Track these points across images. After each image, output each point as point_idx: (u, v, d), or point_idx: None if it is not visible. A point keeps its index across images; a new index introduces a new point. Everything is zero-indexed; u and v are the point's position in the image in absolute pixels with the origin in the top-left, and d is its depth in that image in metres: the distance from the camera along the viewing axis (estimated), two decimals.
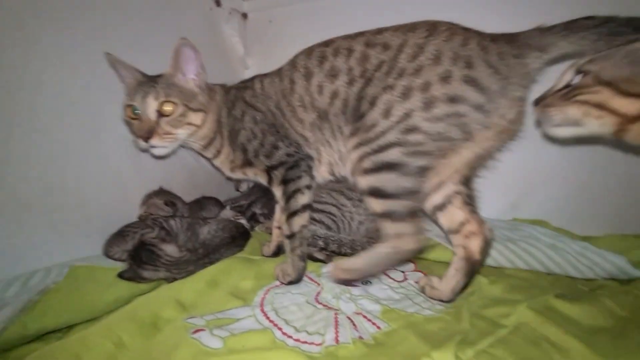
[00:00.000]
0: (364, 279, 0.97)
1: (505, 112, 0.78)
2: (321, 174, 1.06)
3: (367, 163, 0.84)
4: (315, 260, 1.14)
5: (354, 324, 0.78)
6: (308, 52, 0.99)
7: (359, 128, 0.86)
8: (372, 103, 0.83)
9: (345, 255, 1.13)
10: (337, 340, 0.72)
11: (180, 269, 0.99)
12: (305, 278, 1.00)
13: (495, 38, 0.80)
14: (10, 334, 0.69)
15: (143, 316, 0.75)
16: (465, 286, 0.89)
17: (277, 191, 1.03)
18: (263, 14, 1.74)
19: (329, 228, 1.19)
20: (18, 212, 0.95)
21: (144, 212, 1.25)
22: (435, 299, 0.90)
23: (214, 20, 1.63)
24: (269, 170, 1.02)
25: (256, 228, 1.40)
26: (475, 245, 0.89)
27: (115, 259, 1.07)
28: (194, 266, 1.00)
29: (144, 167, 1.30)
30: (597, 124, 0.67)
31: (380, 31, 0.90)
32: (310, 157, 1.02)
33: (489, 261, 1.07)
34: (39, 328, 0.73)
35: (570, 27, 0.75)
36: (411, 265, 1.10)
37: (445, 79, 0.78)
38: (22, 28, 0.96)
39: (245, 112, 1.04)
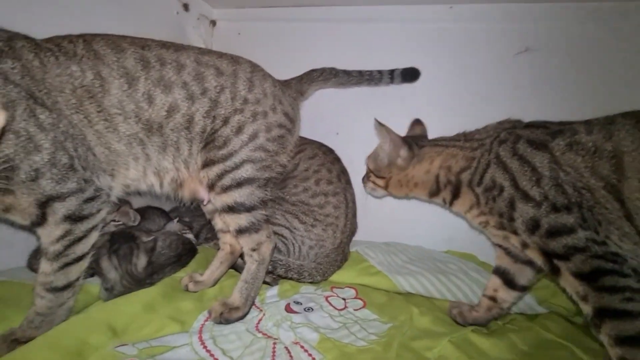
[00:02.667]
0: (249, 309, 0.96)
1: (297, 131, 1.13)
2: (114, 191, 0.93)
3: (226, 180, 0.95)
4: (264, 283, 1.15)
5: (290, 355, 0.80)
6: (112, 45, 0.85)
7: (211, 145, 0.95)
8: (225, 123, 0.95)
9: (291, 279, 1.15)
10: None
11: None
12: None
13: (281, 82, 1.14)
14: None
15: (66, 344, 0.71)
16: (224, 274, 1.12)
17: (56, 230, 0.75)
18: (232, 24, 1.73)
19: (279, 251, 1.21)
20: None
21: (111, 220, 1.19)
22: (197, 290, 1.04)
23: (180, 24, 1.58)
24: (45, 203, 0.73)
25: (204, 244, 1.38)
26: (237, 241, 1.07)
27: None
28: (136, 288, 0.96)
29: None
30: (379, 190, 1.18)
31: (202, 52, 0.99)
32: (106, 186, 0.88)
33: (422, 291, 1.16)
34: None
35: (309, 78, 1.25)
36: (352, 292, 1.15)
37: (274, 109, 1.03)
38: None
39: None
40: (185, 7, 1.59)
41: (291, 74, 1.29)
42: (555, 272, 0.78)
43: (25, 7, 0.99)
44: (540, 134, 0.88)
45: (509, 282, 1.01)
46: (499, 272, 1.02)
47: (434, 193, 1.06)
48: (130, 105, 0.86)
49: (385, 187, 1.15)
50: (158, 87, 0.88)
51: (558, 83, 1.36)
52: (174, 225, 1.32)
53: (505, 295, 1.01)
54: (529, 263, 0.94)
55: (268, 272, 1.15)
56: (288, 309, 0.99)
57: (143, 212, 1.37)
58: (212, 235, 1.44)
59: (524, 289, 1.01)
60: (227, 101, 0.95)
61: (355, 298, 1.12)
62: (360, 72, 1.31)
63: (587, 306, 0.72)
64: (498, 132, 0.96)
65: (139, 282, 1.00)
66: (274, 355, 0.79)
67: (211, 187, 0.97)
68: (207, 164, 0.96)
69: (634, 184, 0.73)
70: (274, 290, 1.08)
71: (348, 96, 1.51)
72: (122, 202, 1.26)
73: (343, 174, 1.39)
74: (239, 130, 0.95)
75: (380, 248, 1.36)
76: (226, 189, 0.95)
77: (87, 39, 0.85)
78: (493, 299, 1.03)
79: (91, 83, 0.81)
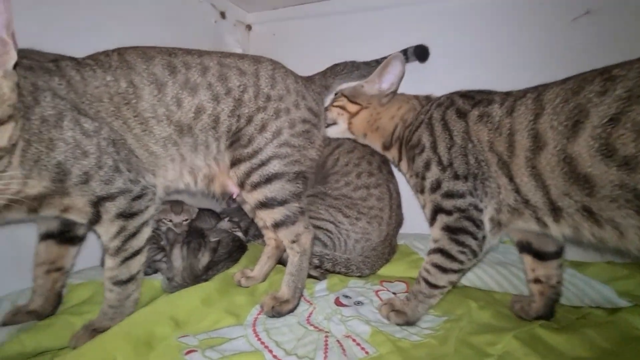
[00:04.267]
0: (298, 301, 0.98)
1: (322, 125, 1.13)
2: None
3: (255, 177, 0.97)
4: (309, 276, 1.16)
5: (343, 349, 0.79)
6: (142, 54, 0.92)
7: (237, 143, 0.97)
8: (249, 121, 0.98)
9: (339, 273, 1.15)
10: None
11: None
12: None
13: (304, 78, 1.15)
14: (9, 350, 0.72)
15: (137, 334, 0.77)
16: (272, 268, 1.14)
17: (111, 228, 0.82)
18: (267, 26, 1.77)
19: (324, 245, 1.21)
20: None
21: (184, 220, 1.32)
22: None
23: (218, 32, 1.65)
24: (97, 202, 0.80)
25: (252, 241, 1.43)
26: None
27: None
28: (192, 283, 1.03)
29: None
30: (341, 120, 1.17)
31: (224, 55, 1.02)
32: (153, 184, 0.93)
33: (478, 283, 1.09)
34: (35, 346, 0.75)
35: (333, 72, 1.27)
36: (403, 286, 1.12)
37: (297, 105, 1.04)
38: None
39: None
40: (222, 15, 1.65)
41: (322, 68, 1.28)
42: (432, 224, 0.91)
43: (73, 26, 1.09)
44: (467, 103, 0.92)
45: (537, 254, 0.95)
46: (524, 248, 0.97)
47: (386, 146, 1.12)
48: (161, 109, 0.90)
49: (351, 117, 1.15)
50: (185, 90, 0.92)
51: (623, 50, 1.19)
52: (224, 224, 1.39)
53: (544, 269, 0.94)
54: None
55: (315, 267, 1.15)
56: (338, 302, 0.99)
57: (197, 214, 1.45)
58: (259, 233, 1.49)
59: (557, 255, 0.95)
60: (250, 100, 0.98)
61: (406, 292, 1.09)
62: (377, 62, 1.31)
63: (434, 244, 0.90)
64: (441, 96, 1.01)
65: (196, 277, 1.06)
66: (326, 348, 0.79)
67: (241, 185, 0.99)
68: (234, 163, 0.98)
69: (520, 161, 0.77)
70: (322, 284, 1.08)
71: None
72: (178, 203, 1.35)
73: (384, 164, 1.35)
74: (262, 128, 0.97)
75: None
76: (255, 186, 0.96)
77: (121, 52, 0.92)
78: (537, 280, 0.95)
79: (125, 91, 0.87)
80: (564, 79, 0.77)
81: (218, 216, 1.49)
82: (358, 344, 0.82)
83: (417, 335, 0.86)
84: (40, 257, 0.92)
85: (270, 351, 0.77)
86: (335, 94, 1.23)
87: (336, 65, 1.31)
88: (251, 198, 0.99)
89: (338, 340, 0.82)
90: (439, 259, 0.88)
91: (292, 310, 0.94)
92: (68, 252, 0.96)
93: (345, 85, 1.26)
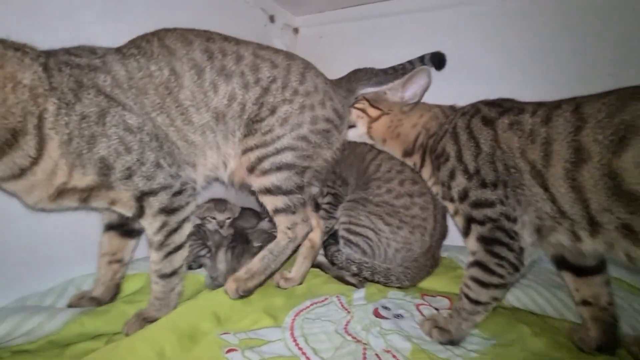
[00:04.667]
0: (265, 279, 1.00)
1: (345, 130, 1.15)
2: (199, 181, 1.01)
3: (266, 164, 0.98)
4: (347, 283, 1.14)
5: None
6: (181, 38, 0.93)
7: (255, 130, 0.98)
8: (273, 111, 0.99)
9: (377, 283, 1.12)
10: None
11: None
12: (336, 302, 1.00)
13: (333, 81, 1.17)
14: (71, 329, 0.78)
15: (182, 327, 0.80)
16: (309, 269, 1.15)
17: (154, 222, 0.85)
18: (314, 29, 1.78)
19: (364, 253, 1.18)
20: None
21: (227, 218, 1.36)
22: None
23: (267, 36, 1.69)
24: (140, 197, 0.82)
25: None
26: (316, 236, 1.15)
27: None
28: None
29: None
30: (361, 123, 1.16)
31: (260, 47, 1.04)
32: (193, 179, 0.95)
33: (533, 307, 1.00)
34: (94, 329, 0.81)
35: (357, 77, 1.29)
36: (446, 302, 1.06)
37: (323, 104, 1.05)
38: None
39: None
40: (271, 18, 1.69)
41: None
42: (466, 235, 0.89)
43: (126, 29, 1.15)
44: (493, 111, 0.90)
45: (577, 270, 0.87)
46: (559, 263, 0.91)
47: (408, 152, 1.11)
48: (200, 95, 0.92)
49: (371, 122, 1.15)
50: (221, 77, 0.94)
51: None
52: (264, 225, 1.41)
53: (589, 288, 0.87)
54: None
55: (354, 274, 1.13)
56: (377, 313, 0.96)
57: (239, 213, 1.50)
58: None
59: (599, 270, 0.87)
60: (277, 90, 0.99)
61: (449, 309, 1.03)
62: (394, 68, 1.34)
63: (471, 257, 0.87)
64: (466, 105, 1.01)
65: None
66: None
67: (251, 169, 1.00)
68: (249, 149, 0.99)
69: (557, 171, 0.76)
70: (361, 293, 1.05)
71: None
72: (221, 201, 1.39)
73: None
74: (284, 121, 0.99)
75: None
76: (265, 172, 0.98)
77: (160, 36, 0.92)
78: (585, 302, 0.88)
79: (167, 79, 0.88)
80: (602, 94, 0.76)
81: (259, 216, 1.52)
82: None
83: (461, 357, 0.81)
84: (104, 248, 0.99)
85: (308, 358, 0.76)
86: (356, 98, 1.23)
87: (358, 70, 1.32)
88: (258, 183, 1.00)
89: (377, 354, 0.80)
90: (477, 272, 0.84)
91: (258, 286, 0.97)
92: (127, 245, 1.01)
93: (367, 90, 1.26)
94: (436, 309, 1.01)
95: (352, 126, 1.17)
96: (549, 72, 1.30)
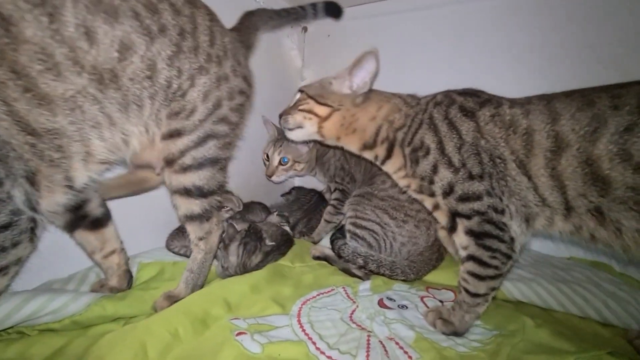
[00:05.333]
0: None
1: (253, 96, 1.00)
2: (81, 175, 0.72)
3: (188, 159, 0.83)
4: (353, 275, 1.17)
5: (385, 350, 0.79)
6: None
7: (180, 109, 0.78)
8: (192, 82, 0.79)
9: (383, 275, 1.14)
10: None
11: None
12: (342, 293, 1.03)
13: (233, 35, 0.93)
14: (93, 311, 0.83)
15: (195, 311, 0.85)
16: None
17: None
18: (322, 27, 1.81)
19: (370, 246, 1.21)
20: None
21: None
22: None
23: (276, 35, 1.72)
24: None
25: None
26: None
27: (174, 253, 1.20)
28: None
29: None
30: (309, 124, 1.00)
31: None
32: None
33: (536, 300, 1.01)
34: (114, 312, 0.86)
35: (252, 25, 1.07)
36: (450, 294, 1.08)
37: (234, 72, 0.87)
38: None
39: None
40: None
41: (381, 68, 1.28)
42: (453, 229, 0.88)
43: None
44: (471, 102, 0.89)
45: None
46: None
47: (368, 146, 1.01)
48: (59, 49, 0.59)
49: (321, 121, 0.99)
50: (96, 16, 0.63)
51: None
52: (273, 218, 1.45)
53: None
54: None
55: (360, 267, 1.16)
56: (381, 304, 0.98)
57: (247, 206, 1.54)
58: (306, 230, 1.54)
59: None
60: (190, 52, 0.78)
61: (453, 300, 1.05)
62: (287, 11, 1.25)
63: (464, 251, 0.87)
64: (435, 95, 0.96)
65: (246, 271, 1.12)
66: (368, 347, 0.80)
67: (170, 162, 0.84)
68: (172, 135, 0.82)
69: (539, 161, 0.79)
70: (366, 285, 1.08)
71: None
72: (226, 192, 1.43)
73: None
74: (205, 97, 0.82)
75: None
76: (186, 169, 0.84)
77: None
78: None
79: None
80: (565, 93, 0.81)
81: (268, 210, 1.56)
82: (401, 348, 0.81)
83: (464, 346, 0.83)
84: (87, 248, 0.92)
85: (314, 343, 0.80)
86: (300, 91, 1.06)
87: (251, 14, 1.14)
88: (176, 180, 0.85)
89: (381, 341, 0.82)
90: (472, 266, 0.85)
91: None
92: (105, 234, 0.93)
93: (306, 82, 1.16)
94: (441, 301, 1.03)
95: (297, 127, 1.02)
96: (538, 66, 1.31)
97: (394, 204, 1.25)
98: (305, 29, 1.85)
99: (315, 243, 1.44)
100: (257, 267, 1.13)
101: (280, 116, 1.06)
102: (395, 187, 1.28)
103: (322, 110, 0.99)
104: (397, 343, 0.82)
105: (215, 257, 1.07)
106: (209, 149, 0.85)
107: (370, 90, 1.02)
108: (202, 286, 0.99)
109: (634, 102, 0.73)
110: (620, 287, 1.01)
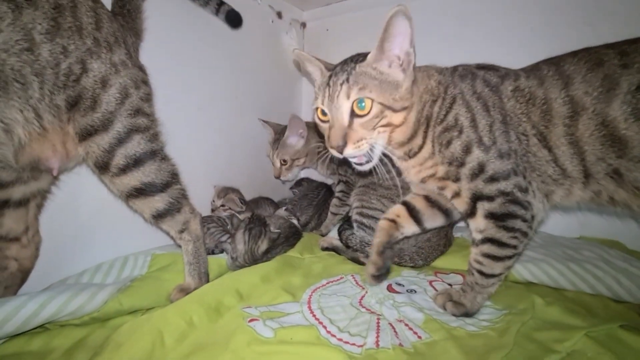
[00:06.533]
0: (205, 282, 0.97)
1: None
2: None
3: (120, 158, 0.78)
4: (361, 264, 1.18)
5: (395, 331, 0.81)
6: None
7: (78, 100, 0.73)
8: (84, 67, 0.73)
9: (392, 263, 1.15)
10: (377, 344, 0.76)
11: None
12: (351, 280, 1.05)
13: (120, 20, 0.86)
14: (110, 307, 0.87)
15: (209, 301, 0.87)
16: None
17: None
18: (320, 22, 1.82)
19: None
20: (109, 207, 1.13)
21: (220, 205, 1.41)
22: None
23: (274, 31, 1.75)
24: None
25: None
26: None
27: None
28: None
29: (216, 168, 1.46)
30: (381, 140, 0.82)
31: None
32: None
33: (547, 280, 1.01)
34: (130, 305, 0.89)
35: (135, 7, 0.94)
36: (459, 278, 1.08)
37: (130, 59, 0.81)
38: None
39: None
40: (279, 15, 1.74)
41: None
42: (472, 214, 0.83)
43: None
44: (493, 76, 0.84)
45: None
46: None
47: (410, 137, 0.84)
48: None
49: (392, 131, 0.81)
50: None
51: None
52: (281, 212, 1.47)
53: None
54: None
55: (367, 255, 1.17)
56: (390, 289, 0.99)
57: (256, 201, 1.57)
58: (316, 225, 1.55)
59: None
60: (72, 30, 0.73)
61: (462, 284, 1.05)
62: None
63: (480, 234, 0.83)
64: (455, 67, 0.87)
65: (255, 260, 1.15)
66: (378, 329, 0.81)
67: (102, 167, 0.79)
68: (86, 134, 0.77)
69: (559, 130, 0.77)
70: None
71: None
72: (230, 191, 1.46)
73: None
74: (104, 82, 0.76)
75: None
76: (124, 169, 0.79)
77: None
78: None
79: None
80: (571, 54, 0.79)
81: (276, 205, 1.59)
82: (411, 329, 0.82)
83: (473, 325, 0.83)
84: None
85: (325, 327, 0.81)
86: (365, 100, 0.77)
87: None
88: (121, 184, 0.81)
89: (390, 324, 0.83)
90: (489, 248, 0.83)
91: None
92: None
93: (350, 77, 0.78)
94: (449, 285, 1.04)
95: (368, 160, 0.82)
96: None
97: (400, 192, 1.26)
98: (304, 25, 1.87)
99: (323, 235, 1.45)
100: (266, 256, 1.15)
101: (340, 146, 0.79)
102: (400, 176, 1.28)
103: (399, 118, 0.80)
104: (406, 324, 0.83)
105: (206, 245, 1.07)
106: (139, 144, 0.81)
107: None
108: (206, 273, 1.01)
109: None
110: (632, 263, 1.00)
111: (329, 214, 1.51)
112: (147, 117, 0.85)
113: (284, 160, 1.52)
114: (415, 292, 0.99)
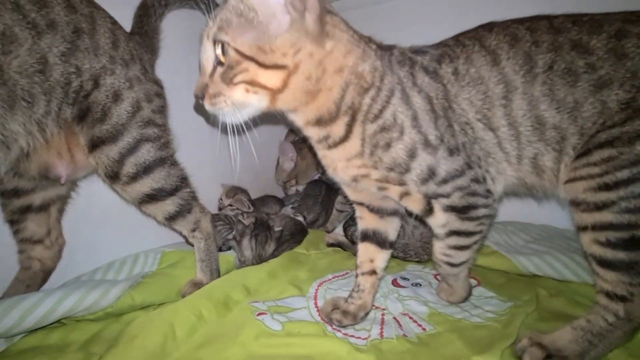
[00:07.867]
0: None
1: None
2: None
3: (130, 167, 0.82)
4: None
5: (399, 324, 0.82)
6: None
7: (87, 112, 0.77)
8: (96, 83, 0.77)
9: (397, 258, 1.16)
10: (381, 335, 0.78)
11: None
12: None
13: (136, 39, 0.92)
14: (123, 302, 0.90)
15: (218, 296, 0.90)
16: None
17: None
18: None
19: None
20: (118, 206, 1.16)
21: (228, 204, 1.43)
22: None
23: None
24: None
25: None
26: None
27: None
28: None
29: (220, 166, 1.49)
30: (256, 99, 0.63)
31: None
32: None
33: (551, 273, 1.01)
34: (142, 301, 0.92)
35: (148, 25, 0.99)
36: None
37: (145, 75, 0.87)
38: None
39: None
40: None
41: None
42: (428, 212, 0.76)
43: None
44: (429, 60, 0.72)
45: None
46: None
47: (325, 119, 0.67)
48: None
49: (274, 94, 0.63)
50: None
51: None
52: (287, 210, 1.50)
53: None
54: None
55: None
56: (395, 283, 1.01)
57: (262, 200, 1.59)
58: (323, 222, 1.56)
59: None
60: (88, 51, 0.76)
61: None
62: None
63: (442, 229, 0.77)
64: (390, 49, 0.71)
65: (262, 261, 1.17)
66: (382, 323, 0.83)
67: (113, 177, 0.83)
68: (95, 145, 0.80)
69: (499, 111, 0.71)
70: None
71: None
72: (239, 191, 1.48)
73: None
74: (116, 96, 0.80)
75: (496, 227, 1.25)
76: (134, 177, 0.83)
77: None
78: None
79: None
80: (486, 27, 0.75)
81: (282, 202, 1.61)
82: (415, 321, 0.83)
83: (478, 317, 0.85)
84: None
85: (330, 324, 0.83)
86: (219, 43, 0.61)
87: (144, 6, 1.01)
88: (133, 191, 0.85)
89: (395, 317, 0.85)
90: (456, 240, 0.77)
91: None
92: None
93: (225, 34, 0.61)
94: None
95: (239, 109, 0.65)
96: None
97: None
98: None
99: (329, 232, 1.47)
100: (273, 255, 1.17)
101: (200, 98, 0.65)
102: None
103: (272, 78, 0.61)
104: (410, 317, 0.85)
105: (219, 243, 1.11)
106: (148, 152, 0.85)
107: (328, 14, 0.64)
108: (218, 269, 1.04)
109: (549, 39, 0.68)
110: None
111: (334, 210, 1.53)
112: (158, 128, 0.89)
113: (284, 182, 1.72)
114: (420, 285, 1.00)
